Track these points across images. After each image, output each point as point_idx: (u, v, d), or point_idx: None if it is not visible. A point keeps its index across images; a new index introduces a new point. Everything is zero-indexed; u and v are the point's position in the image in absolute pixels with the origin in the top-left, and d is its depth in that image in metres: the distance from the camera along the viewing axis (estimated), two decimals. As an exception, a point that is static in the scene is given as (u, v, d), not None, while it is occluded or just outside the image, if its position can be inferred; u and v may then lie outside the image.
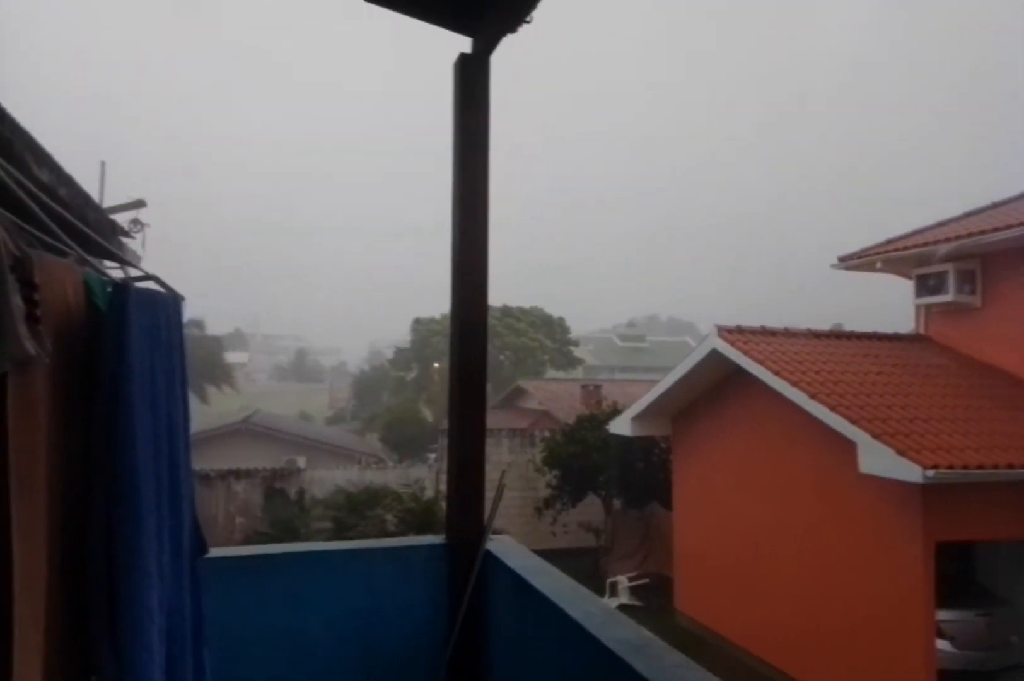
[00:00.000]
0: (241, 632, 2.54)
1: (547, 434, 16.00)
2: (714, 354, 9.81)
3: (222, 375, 37.44)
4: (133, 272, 1.97)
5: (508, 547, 2.79)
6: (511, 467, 15.59)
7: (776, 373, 8.54)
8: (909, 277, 10.72)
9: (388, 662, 2.73)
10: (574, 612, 2.02)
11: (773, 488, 9.36)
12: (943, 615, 7.79)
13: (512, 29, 2.59)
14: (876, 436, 7.09)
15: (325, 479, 15.37)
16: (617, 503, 14.60)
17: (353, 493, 12.48)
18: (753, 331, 9.88)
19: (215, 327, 41.79)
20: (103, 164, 6.47)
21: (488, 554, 2.72)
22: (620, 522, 14.53)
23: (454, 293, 2.88)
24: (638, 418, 11.77)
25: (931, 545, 7.20)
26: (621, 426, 12.13)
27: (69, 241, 1.35)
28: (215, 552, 2.89)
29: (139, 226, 6.01)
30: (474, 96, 2.79)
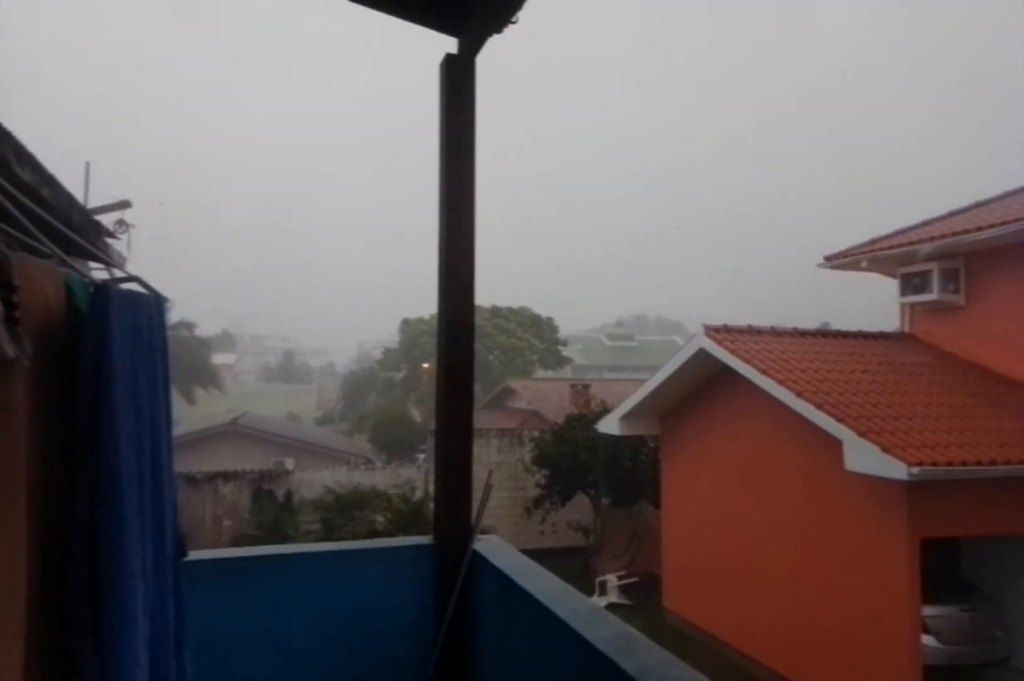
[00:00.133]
0: (227, 634, 2.53)
1: (536, 434, 16.02)
2: (701, 353, 9.86)
3: (209, 377, 37.21)
4: (119, 273, 1.95)
5: (495, 547, 2.80)
6: (500, 467, 15.59)
7: (763, 372, 8.59)
8: (894, 276, 10.82)
9: (375, 663, 2.72)
10: (561, 611, 2.03)
11: (760, 486, 9.41)
12: (928, 611, 7.86)
13: (498, 30, 2.59)
14: (862, 434, 7.14)
15: (313, 480, 15.31)
16: (606, 502, 14.63)
17: (342, 494, 12.45)
18: (740, 330, 9.93)
19: (202, 328, 41.54)
20: (87, 165, 6.43)
21: (475, 554, 2.72)
22: (609, 521, 14.57)
23: (441, 293, 2.88)
24: (626, 417, 11.80)
25: (916, 541, 7.26)
26: (610, 425, 12.16)
27: (48, 242, 1.34)
28: (202, 554, 2.88)
29: (124, 227, 5.97)
30: (460, 97, 2.79)
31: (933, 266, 9.92)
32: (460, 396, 2.87)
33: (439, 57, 2.81)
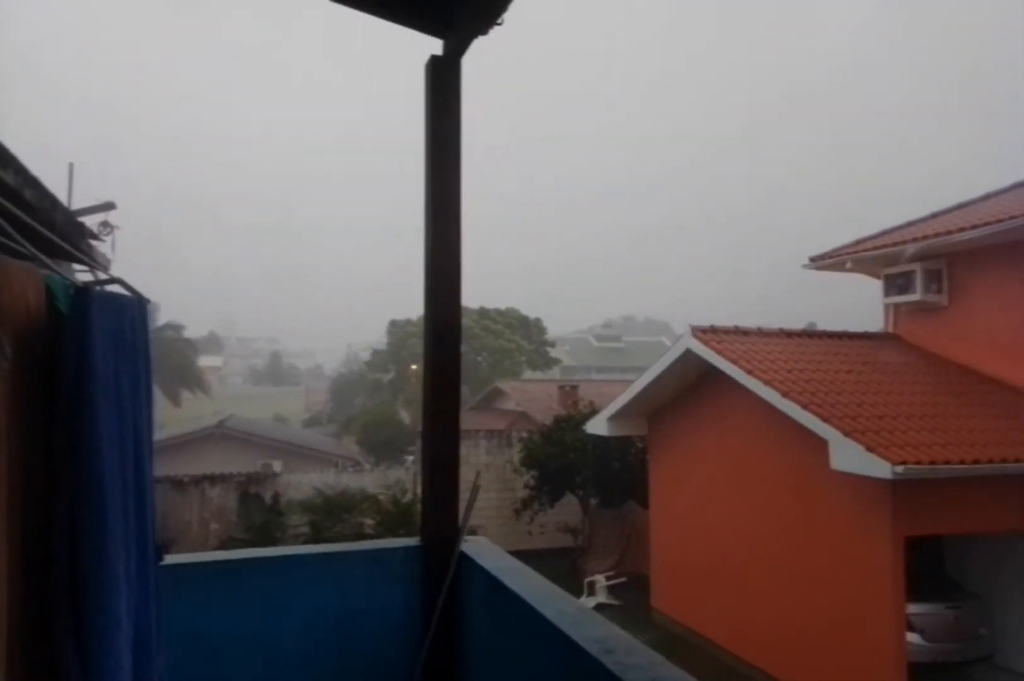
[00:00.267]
0: (214, 637, 2.52)
1: (524, 435, 16.02)
2: (688, 354, 9.90)
3: (195, 379, 36.93)
4: (103, 275, 1.94)
5: (483, 548, 2.80)
6: (489, 468, 15.59)
7: (749, 372, 8.64)
8: (878, 277, 10.91)
9: (364, 664, 2.72)
10: (548, 612, 2.04)
11: (748, 486, 9.47)
12: (913, 608, 7.93)
13: (483, 31, 2.60)
14: (847, 433, 7.20)
15: (301, 483, 15.23)
16: (594, 503, 14.66)
17: (330, 497, 12.40)
18: (727, 331, 9.98)
19: (190, 330, 41.23)
20: (71, 166, 6.36)
21: (463, 555, 2.73)
22: (597, 522, 14.60)
23: (427, 295, 2.88)
24: (614, 418, 11.83)
25: (901, 540, 7.33)
26: (598, 426, 12.19)
27: (28, 245, 1.34)
28: (189, 558, 2.87)
29: (108, 229, 5.92)
30: (445, 98, 2.80)
31: (916, 267, 10.02)
32: (447, 397, 2.87)
33: (424, 58, 2.82)
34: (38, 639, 1.21)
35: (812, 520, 8.36)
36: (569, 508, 14.73)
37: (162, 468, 16.19)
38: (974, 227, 9.03)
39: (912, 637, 7.95)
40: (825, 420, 7.49)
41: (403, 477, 15.77)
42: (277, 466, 19.98)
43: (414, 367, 33.12)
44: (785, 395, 8.04)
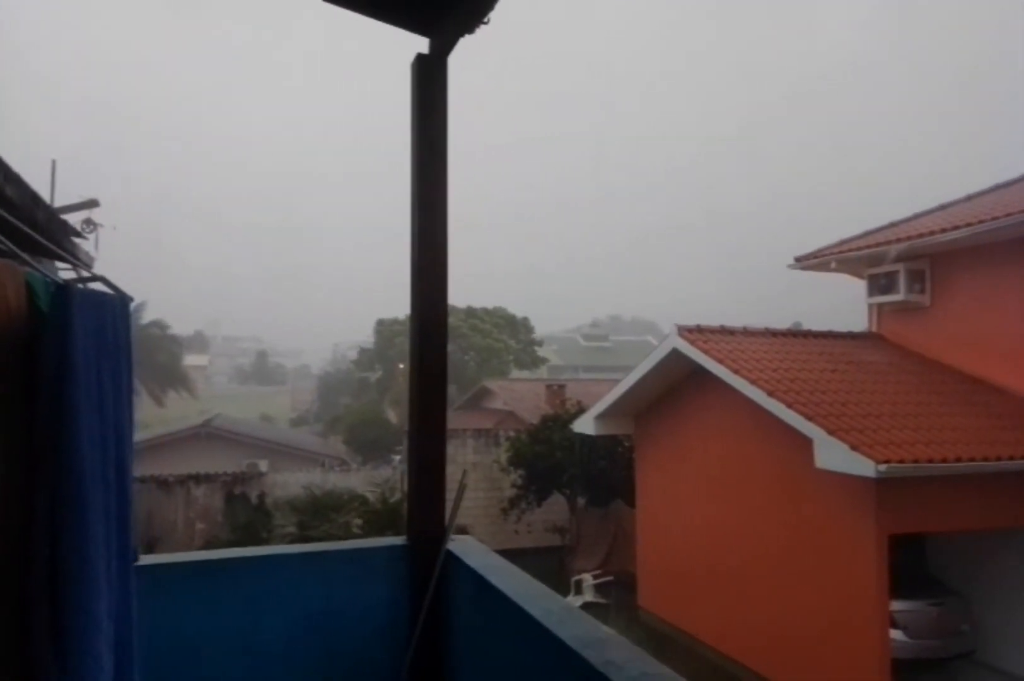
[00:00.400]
0: (196, 638, 2.50)
1: (512, 434, 16.03)
2: (675, 353, 9.94)
3: (180, 378, 36.65)
4: (85, 273, 1.93)
5: (469, 547, 2.80)
6: (476, 467, 15.58)
7: (735, 371, 8.69)
8: (862, 277, 11.01)
9: (349, 664, 2.71)
10: (533, 610, 2.04)
11: (734, 484, 9.52)
12: (896, 605, 8.01)
13: (470, 30, 2.60)
14: (831, 432, 7.26)
15: (288, 482, 15.17)
16: (582, 502, 14.69)
17: (318, 496, 12.35)
18: (713, 330, 10.04)
19: (175, 329, 40.89)
20: (53, 163, 6.29)
21: (449, 554, 2.72)
22: (584, 521, 14.63)
23: (414, 294, 2.87)
24: (601, 417, 11.86)
25: (884, 537, 7.40)
26: (585, 425, 12.22)
27: (7, 241, 1.32)
28: (172, 557, 2.85)
29: (92, 226, 5.87)
30: (431, 97, 2.79)
31: (899, 267, 10.12)
32: (434, 396, 2.87)
33: (411, 57, 2.81)
34: (16, 640, 1.19)
35: (797, 518, 8.43)
36: (556, 507, 14.76)
37: (147, 468, 16.07)
38: (956, 228, 9.13)
39: (895, 634, 8.04)
40: (810, 419, 7.54)
41: (391, 476, 15.73)
42: (263, 466, 19.88)
43: (401, 366, 33.05)
44: (770, 394, 8.09)
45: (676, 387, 10.86)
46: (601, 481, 13.95)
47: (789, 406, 7.82)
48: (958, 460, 7.09)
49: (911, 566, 9.11)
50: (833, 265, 11.11)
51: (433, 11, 2.73)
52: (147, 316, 35.08)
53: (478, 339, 34.72)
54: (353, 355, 47.15)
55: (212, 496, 14.58)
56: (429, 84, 2.79)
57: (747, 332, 10.25)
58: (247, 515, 13.31)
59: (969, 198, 11.19)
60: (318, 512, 11.76)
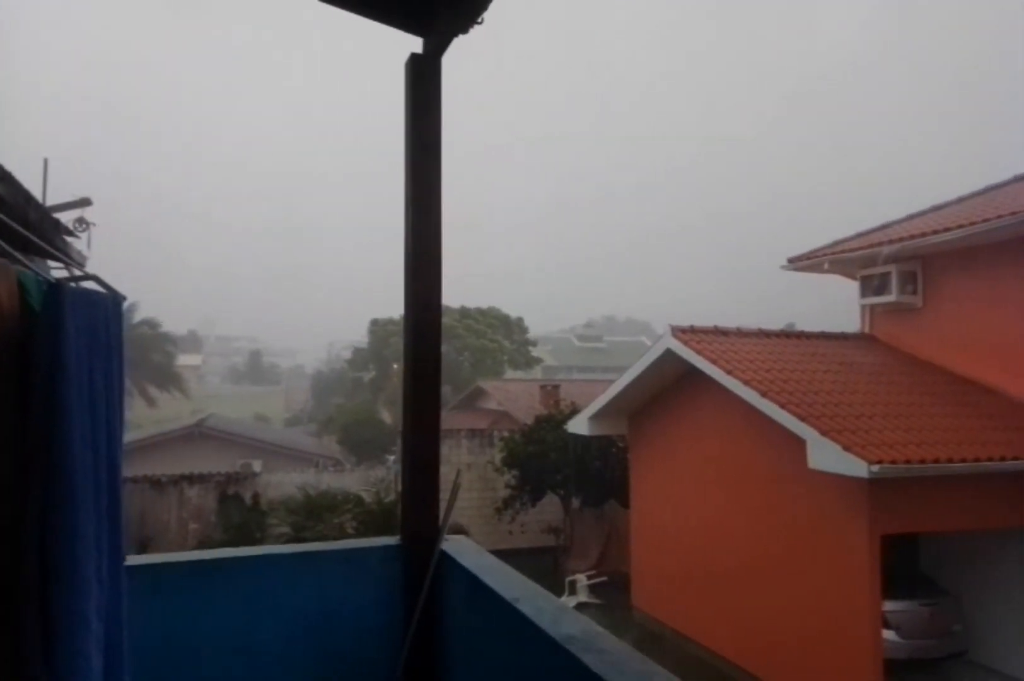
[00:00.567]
0: (190, 638, 2.50)
1: (506, 434, 16.03)
2: (668, 354, 9.96)
3: (173, 378, 36.51)
4: (78, 272, 1.92)
5: (463, 546, 2.80)
6: (470, 468, 15.57)
7: (729, 372, 8.71)
8: (855, 278, 11.05)
9: (343, 664, 2.71)
10: (528, 610, 2.04)
11: (727, 485, 9.55)
12: (889, 606, 8.04)
13: (464, 30, 2.60)
14: (824, 433, 7.28)
15: (282, 483, 15.12)
16: (576, 502, 14.70)
17: (312, 496, 12.32)
18: (706, 331, 10.06)
19: (169, 329, 40.72)
20: (45, 161, 6.25)
21: (443, 554, 2.72)
22: (578, 521, 14.64)
23: (408, 294, 2.87)
24: (595, 417, 11.87)
25: (877, 538, 7.42)
26: (579, 426, 12.23)
27: (0, 240, 1.31)
28: (166, 557, 2.85)
29: (84, 225, 5.84)
30: (425, 97, 2.79)
31: (892, 268, 10.16)
32: (427, 396, 2.87)
33: (404, 57, 2.81)
34: (5, 639, 1.19)
35: (790, 518, 8.45)
36: (550, 507, 14.76)
37: (140, 467, 16.00)
38: (947, 230, 9.17)
39: (888, 634, 8.06)
40: (803, 419, 7.57)
41: (385, 476, 15.71)
42: (257, 466, 19.81)
43: (396, 366, 33.01)
44: (764, 395, 8.12)
45: (670, 388, 10.88)
46: (595, 481, 13.96)
47: (782, 407, 7.85)
48: (950, 461, 7.12)
49: (904, 566, 9.15)
50: (826, 266, 11.15)
51: (427, 11, 2.73)
52: (140, 315, 34.96)
53: (472, 339, 34.70)
54: (348, 355, 47.06)
55: (205, 496, 14.53)
56: (423, 84, 2.80)
57: (740, 333, 10.28)
58: (241, 515, 13.27)
59: (961, 200, 11.25)
60: (312, 512, 11.73)
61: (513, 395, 22.58)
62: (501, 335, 36.65)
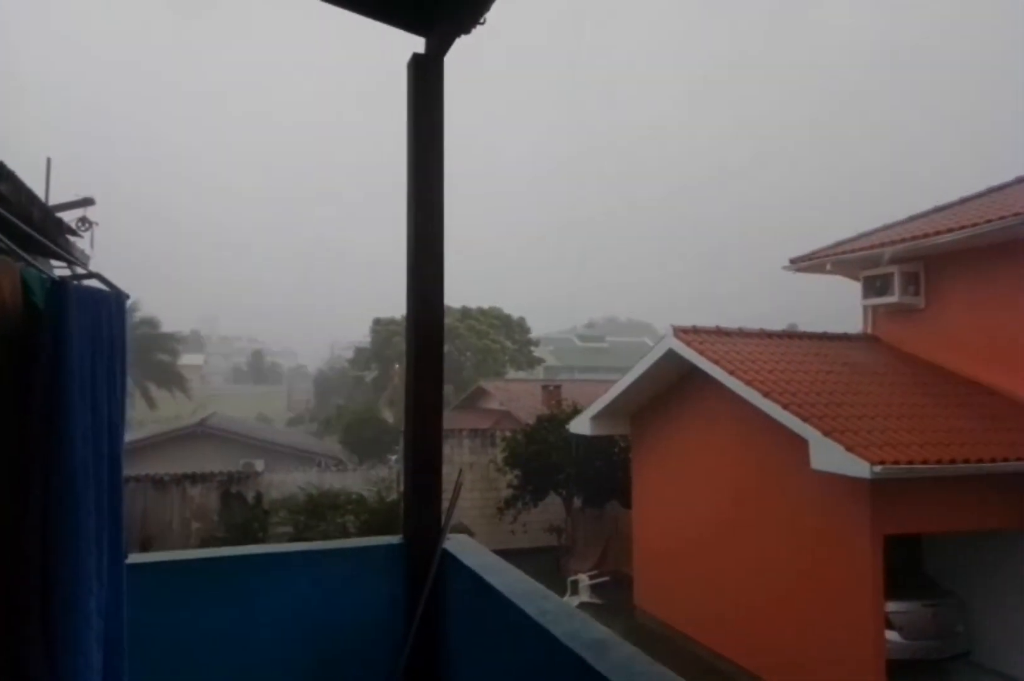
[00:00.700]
0: (191, 637, 2.50)
1: (508, 434, 16.02)
2: (670, 354, 9.95)
3: (175, 378, 36.51)
4: (80, 271, 1.92)
5: (465, 546, 2.80)
6: (472, 467, 15.58)
7: (731, 372, 8.70)
8: (857, 279, 11.03)
9: (345, 663, 2.71)
10: (529, 608, 2.04)
11: (729, 485, 9.53)
12: (892, 606, 8.02)
13: (466, 30, 2.60)
14: (826, 433, 7.27)
15: (284, 482, 15.12)
16: (578, 502, 14.70)
17: (314, 496, 12.32)
18: (708, 331, 10.05)
19: (171, 328, 40.72)
20: (48, 161, 6.26)
21: (446, 553, 2.72)
22: (580, 521, 14.64)
23: (410, 294, 2.88)
24: (597, 417, 11.87)
25: (880, 538, 7.42)
26: (581, 426, 12.22)
27: (3, 238, 1.32)
28: (164, 556, 2.85)
29: (87, 224, 5.86)
30: (427, 96, 2.79)
31: (894, 269, 10.15)
32: (430, 396, 2.87)
33: (407, 57, 2.81)
34: (6, 636, 1.19)
35: (793, 519, 8.44)
36: (552, 507, 14.75)
37: (143, 467, 16.02)
38: (950, 230, 9.16)
39: (891, 635, 8.05)
40: (805, 420, 7.56)
41: (387, 476, 15.71)
42: (259, 465, 19.82)
43: (397, 366, 33.02)
44: (766, 395, 8.11)
45: (672, 388, 10.87)
46: (597, 481, 13.95)
47: (784, 407, 7.84)
48: (953, 461, 7.11)
49: (907, 567, 9.13)
50: (828, 267, 11.14)
51: (429, 11, 2.74)
52: (142, 315, 34.97)
53: (474, 339, 34.70)
54: (350, 355, 47.08)
55: (208, 495, 14.54)
56: (425, 84, 2.80)
57: (742, 333, 10.27)
58: (243, 514, 13.28)
59: (963, 201, 11.22)
60: (314, 512, 11.73)
61: (515, 395, 22.59)
62: (503, 335, 36.65)
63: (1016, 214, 8.45)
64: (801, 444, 7.55)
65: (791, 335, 10.83)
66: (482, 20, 2.48)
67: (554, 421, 14.34)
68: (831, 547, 7.89)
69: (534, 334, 39.89)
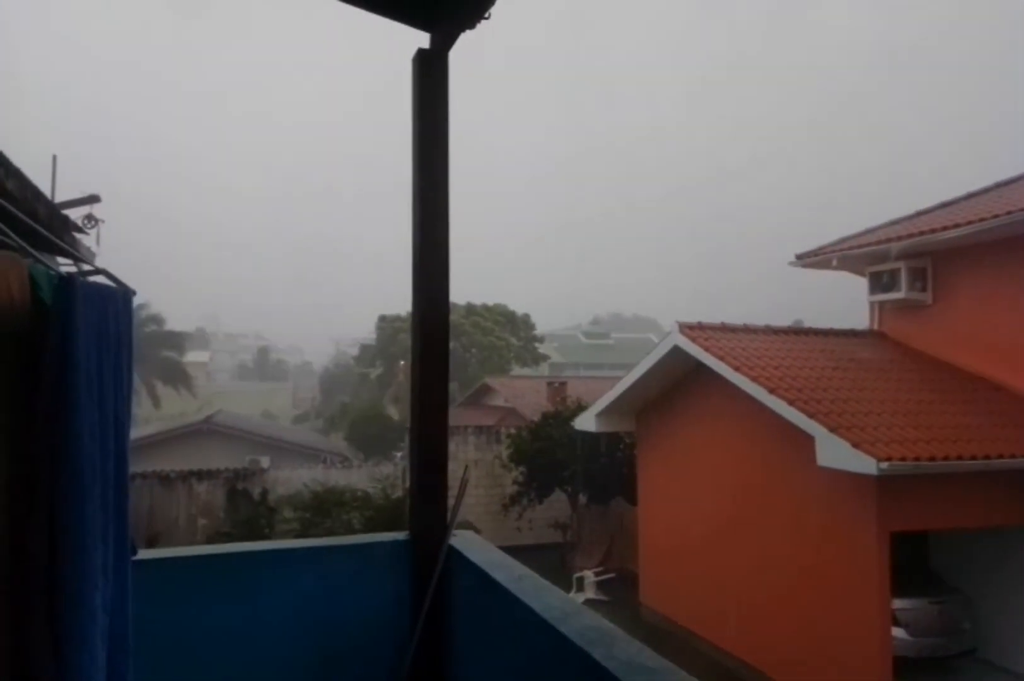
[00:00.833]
0: (197, 632, 2.51)
1: (513, 431, 16.03)
2: (676, 350, 9.93)
3: (181, 376, 36.62)
4: (86, 267, 1.92)
5: (471, 542, 2.80)
6: (478, 464, 15.60)
7: (736, 369, 8.68)
8: (863, 274, 10.99)
9: (350, 660, 2.71)
10: (535, 604, 2.04)
11: (735, 482, 9.52)
12: (898, 603, 8.01)
13: (471, 25, 2.59)
14: (833, 430, 7.25)
15: (290, 479, 15.17)
16: (583, 499, 14.70)
17: (319, 492, 12.36)
18: (714, 327, 10.03)
19: (177, 326, 40.84)
20: (54, 158, 6.28)
21: (451, 549, 2.72)
22: (586, 518, 14.65)
23: (416, 291, 2.87)
24: (602, 414, 11.86)
25: (886, 535, 7.40)
26: (586, 422, 12.22)
27: (11, 234, 1.32)
28: (169, 552, 2.86)
29: (93, 222, 5.87)
30: (433, 92, 2.79)
31: (901, 265, 10.10)
32: (435, 393, 2.87)
33: (412, 52, 2.81)
34: (11, 631, 1.19)
35: (799, 516, 8.42)
36: (558, 504, 14.76)
37: (149, 463, 16.09)
38: (957, 226, 9.11)
39: (897, 632, 8.04)
40: (811, 416, 7.54)
41: (392, 473, 15.74)
42: (265, 462, 19.89)
43: (402, 363, 33.04)
44: (772, 391, 8.09)
45: (677, 384, 10.85)
46: (602, 478, 13.95)
47: (790, 403, 7.82)
48: (959, 458, 7.09)
49: (913, 564, 9.11)
50: (834, 263, 11.09)
51: (434, 6, 2.73)
52: (148, 312, 35.07)
53: (479, 336, 34.71)
54: (355, 352, 47.13)
55: (214, 492, 14.60)
56: (430, 79, 2.79)
57: (748, 329, 10.24)
58: (249, 511, 13.33)
59: (970, 196, 11.16)
60: (320, 508, 11.77)
61: (520, 392, 22.59)
62: (508, 332, 36.64)
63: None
64: (807, 440, 7.53)
65: (797, 331, 10.79)
66: (487, 15, 2.47)
67: (559, 418, 14.34)
68: (837, 544, 7.87)
69: (539, 331, 39.89)
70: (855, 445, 6.97)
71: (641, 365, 10.86)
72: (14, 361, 1.24)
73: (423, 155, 2.82)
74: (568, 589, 11.83)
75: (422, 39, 2.81)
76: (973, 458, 7.14)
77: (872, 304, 11.10)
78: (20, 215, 1.41)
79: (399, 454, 22.11)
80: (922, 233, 9.63)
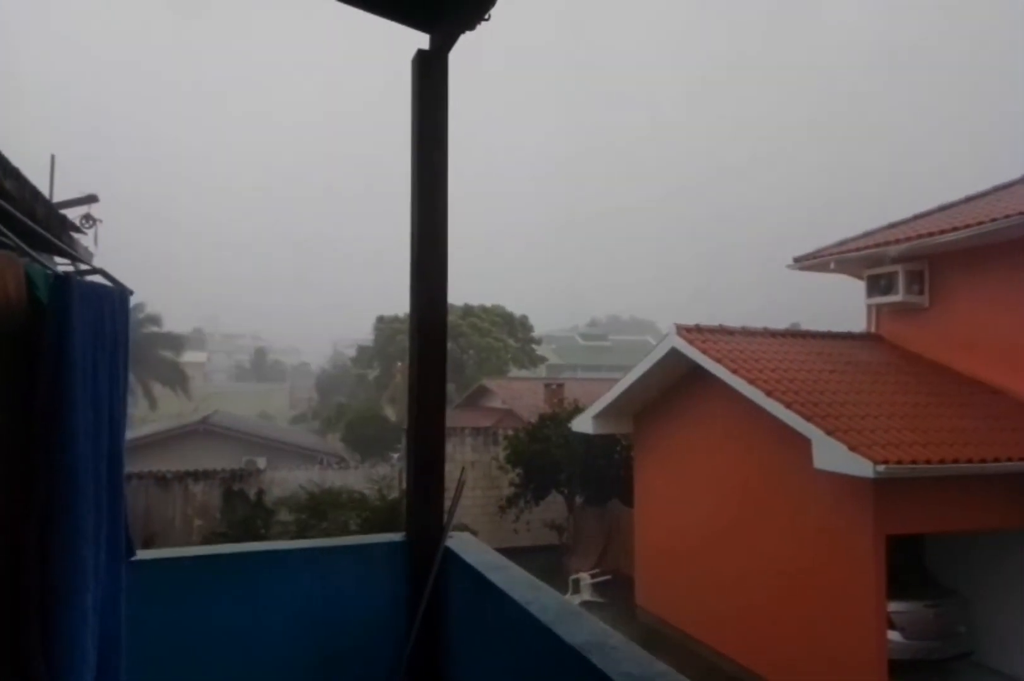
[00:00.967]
0: (194, 633, 2.50)
1: (510, 433, 16.03)
2: (673, 353, 9.94)
3: (178, 376, 36.54)
4: (84, 267, 1.92)
5: (467, 543, 2.80)
6: (475, 466, 15.60)
7: (734, 371, 8.69)
8: (861, 277, 11.01)
9: (347, 660, 2.71)
10: (531, 607, 2.04)
11: (731, 484, 9.53)
12: (894, 606, 8.01)
13: (471, 27, 2.60)
14: (829, 432, 7.26)
15: (286, 480, 15.16)
16: (580, 501, 14.70)
17: (316, 493, 12.35)
18: (711, 330, 10.03)
19: (174, 326, 40.75)
20: (52, 158, 6.27)
21: (448, 551, 2.72)
22: (582, 519, 14.64)
23: (413, 292, 2.87)
24: (600, 416, 11.86)
25: (883, 538, 7.41)
26: (583, 424, 12.22)
27: (8, 233, 1.31)
28: (165, 553, 2.85)
29: (91, 222, 5.86)
30: (432, 93, 2.79)
31: (898, 268, 10.12)
32: (433, 394, 2.87)
33: (411, 53, 2.81)
34: (4, 634, 1.18)
35: (796, 518, 8.43)
36: (554, 506, 14.77)
37: (145, 464, 16.06)
38: (955, 229, 9.13)
39: (893, 635, 8.04)
40: (808, 419, 7.55)
41: (388, 474, 15.72)
42: (261, 463, 19.88)
43: (400, 364, 33.02)
44: (769, 394, 8.09)
45: (675, 387, 10.86)
46: (599, 480, 13.96)
47: (788, 406, 7.83)
48: (956, 461, 7.10)
49: (909, 567, 9.12)
50: (832, 266, 11.11)
51: (434, 7, 2.73)
52: (145, 312, 35.00)
53: (477, 338, 34.69)
54: (352, 353, 47.10)
55: (210, 493, 14.58)
56: (430, 81, 2.79)
57: (746, 332, 10.25)
58: (245, 512, 13.31)
59: (968, 199, 11.19)
60: (316, 509, 11.76)
61: (517, 393, 22.59)
62: (505, 333, 36.61)
63: (1022, 213, 8.42)
64: (804, 443, 7.54)
65: (794, 334, 10.81)
66: (487, 16, 2.47)
67: (556, 420, 14.35)
68: (833, 547, 7.87)
69: (536, 332, 39.86)
70: (852, 448, 6.98)
71: (638, 367, 10.86)
72: (10, 360, 1.24)
73: (422, 156, 2.82)
74: (564, 591, 11.82)
75: (422, 40, 2.82)
76: (970, 461, 7.15)
77: (869, 307, 11.12)
78: (18, 215, 1.41)
79: (396, 455, 22.11)
80: (920, 236, 9.65)
